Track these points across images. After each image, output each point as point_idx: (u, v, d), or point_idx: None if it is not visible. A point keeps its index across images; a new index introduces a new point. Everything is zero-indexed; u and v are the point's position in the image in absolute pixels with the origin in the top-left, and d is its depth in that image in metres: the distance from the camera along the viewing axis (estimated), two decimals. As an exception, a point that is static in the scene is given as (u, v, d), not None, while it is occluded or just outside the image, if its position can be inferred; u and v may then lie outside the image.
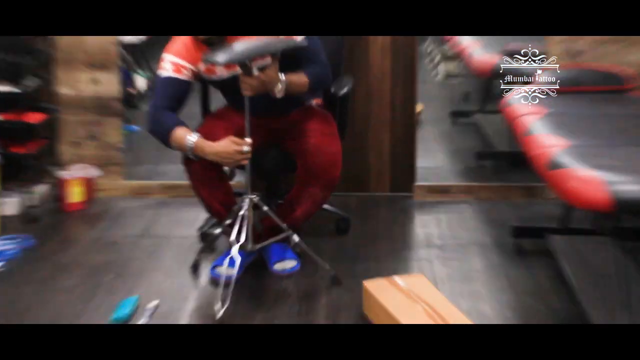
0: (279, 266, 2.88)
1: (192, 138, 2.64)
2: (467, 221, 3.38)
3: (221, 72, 2.76)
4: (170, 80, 2.71)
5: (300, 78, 2.72)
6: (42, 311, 2.61)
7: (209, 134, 2.68)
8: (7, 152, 3.39)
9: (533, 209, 3.47)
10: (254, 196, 2.71)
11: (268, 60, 2.65)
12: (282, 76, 2.66)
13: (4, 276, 2.88)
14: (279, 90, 2.66)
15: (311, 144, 2.76)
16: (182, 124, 2.68)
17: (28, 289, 2.77)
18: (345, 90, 2.98)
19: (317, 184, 2.77)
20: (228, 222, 2.74)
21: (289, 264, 2.89)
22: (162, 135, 2.68)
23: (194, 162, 2.70)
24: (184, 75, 2.72)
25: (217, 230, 2.84)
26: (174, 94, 2.71)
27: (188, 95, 2.76)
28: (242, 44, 2.58)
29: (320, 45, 2.80)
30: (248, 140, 2.62)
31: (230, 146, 2.61)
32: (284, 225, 2.76)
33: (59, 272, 2.90)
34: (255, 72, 2.60)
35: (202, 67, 2.75)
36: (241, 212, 2.67)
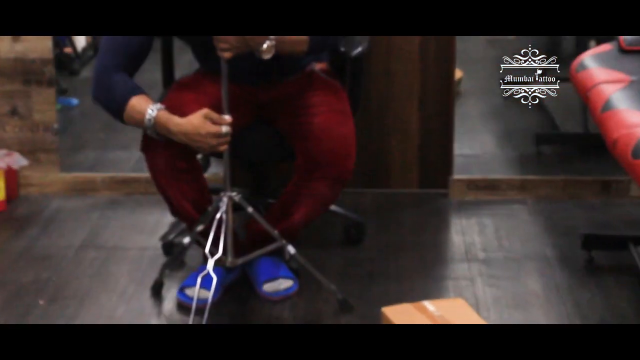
0: (269, 287, 2.92)
1: (152, 111, 2.66)
2: (522, 227, 3.41)
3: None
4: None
5: (297, 34, 2.75)
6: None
7: (175, 109, 2.70)
8: None
9: (611, 211, 3.51)
10: (235, 194, 2.74)
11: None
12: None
13: None
14: (266, 49, 2.67)
15: (315, 124, 2.79)
16: (140, 91, 2.71)
17: None
18: (359, 49, 2.99)
19: (322, 178, 2.79)
20: (201, 228, 2.78)
21: (283, 284, 2.93)
22: (113, 104, 2.71)
23: (157, 147, 2.73)
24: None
25: (187, 240, 2.86)
26: (128, 51, 2.73)
27: (146, 53, 2.78)
28: None
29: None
30: (227, 117, 2.66)
31: (204, 125, 2.63)
32: (276, 233, 2.80)
33: (-25, 295, 2.95)
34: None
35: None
36: (218, 215, 2.71)
